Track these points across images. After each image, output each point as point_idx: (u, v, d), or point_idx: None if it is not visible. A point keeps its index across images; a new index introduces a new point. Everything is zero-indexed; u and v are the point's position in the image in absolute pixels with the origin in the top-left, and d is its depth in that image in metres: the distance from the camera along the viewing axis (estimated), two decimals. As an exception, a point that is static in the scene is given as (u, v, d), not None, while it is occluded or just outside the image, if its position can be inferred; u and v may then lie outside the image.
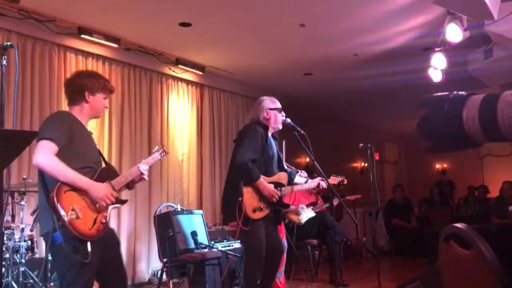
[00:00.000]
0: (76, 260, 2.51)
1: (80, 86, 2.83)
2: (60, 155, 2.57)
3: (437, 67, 5.71)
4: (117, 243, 2.92)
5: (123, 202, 2.89)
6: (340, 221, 7.51)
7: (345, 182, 4.85)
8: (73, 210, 2.50)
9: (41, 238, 2.75)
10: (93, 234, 2.60)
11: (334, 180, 4.82)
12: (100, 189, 2.66)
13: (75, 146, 2.66)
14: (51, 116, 2.88)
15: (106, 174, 2.80)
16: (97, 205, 2.64)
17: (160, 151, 3.23)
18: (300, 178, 4.31)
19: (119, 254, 2.92)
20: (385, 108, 9.79)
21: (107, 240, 2.74)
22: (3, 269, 3.74)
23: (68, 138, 2.63)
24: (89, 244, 2.58)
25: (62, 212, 2.46)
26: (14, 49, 2.21)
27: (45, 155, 2.53)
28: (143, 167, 2.96)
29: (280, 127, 3.98)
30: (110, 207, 2.74)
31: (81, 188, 2.60)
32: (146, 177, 2.98)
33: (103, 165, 2.90)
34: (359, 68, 7.06)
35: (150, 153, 6.12)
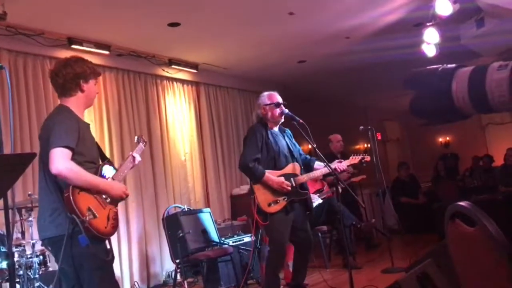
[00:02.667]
0: (99, 259, 2.51)
1: (73, 75, 2.63)
2: None
3: (430, 41, 5.69)
4: None
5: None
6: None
7: (367, 159, 4.65)
8: (89, 210, 2.47)
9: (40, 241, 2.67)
10: (110, 231, 2.60)
11: (355, 159, 4.66)
12: (117, 188, 2.68)
13: (79, 146, 2.56)
14: (57, 117, 2.62)
15: None
16: (108, 201, 2.62)
17: (141, 140, 3.20)
18: (320, 163, 4.27)
19: None
20: (382, 87, 9.75)
21: None
22: (18, 287, 3.77)
23: (78, 140, 2.56)
24: (107, 242, 2.61)
25: (82, 213, 2.42)
26: (5, 70, 2.20)
27: (65, 162, 2.43)
28: (139, 157, 3.03)
29: (280, 120, 4.06)
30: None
31: (102, 191, 2.59)
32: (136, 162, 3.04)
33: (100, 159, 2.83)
34: (352, 50, 7.02)
35: (152, 156, 6.25)
